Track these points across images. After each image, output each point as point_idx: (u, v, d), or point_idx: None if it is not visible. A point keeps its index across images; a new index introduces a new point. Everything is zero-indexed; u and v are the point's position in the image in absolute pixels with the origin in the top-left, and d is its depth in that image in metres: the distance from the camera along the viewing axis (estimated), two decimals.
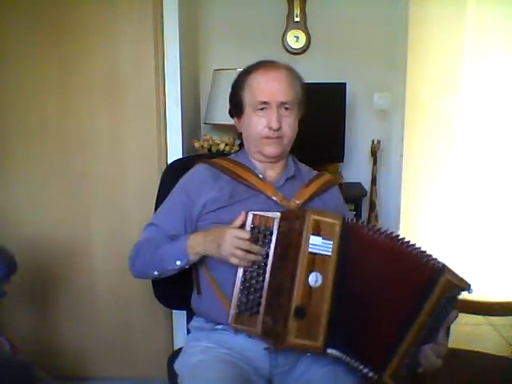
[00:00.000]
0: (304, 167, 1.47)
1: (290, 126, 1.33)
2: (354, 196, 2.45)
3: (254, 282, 1.19)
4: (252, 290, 1.19)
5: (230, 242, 1.17)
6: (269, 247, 1.19)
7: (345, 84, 2.45)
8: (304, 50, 2.62)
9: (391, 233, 1.11)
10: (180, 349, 1.40)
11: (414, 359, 1.09)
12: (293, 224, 1.14)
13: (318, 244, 1.10)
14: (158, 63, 1.96)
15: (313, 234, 1.09)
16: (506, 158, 3.60)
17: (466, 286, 1.08)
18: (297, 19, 2.60)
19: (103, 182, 2.02)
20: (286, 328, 1.09)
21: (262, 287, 1.18)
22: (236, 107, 1.38)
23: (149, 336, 2.10)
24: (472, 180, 3.63)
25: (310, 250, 1.09)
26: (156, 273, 1.32)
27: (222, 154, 1.46)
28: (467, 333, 2.58)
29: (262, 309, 1.18)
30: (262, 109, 1.31)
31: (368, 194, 2.60)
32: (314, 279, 1.09)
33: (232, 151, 2.16)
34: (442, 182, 3.62)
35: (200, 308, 1.35)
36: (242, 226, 1.20)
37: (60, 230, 2.03)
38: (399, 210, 2.85)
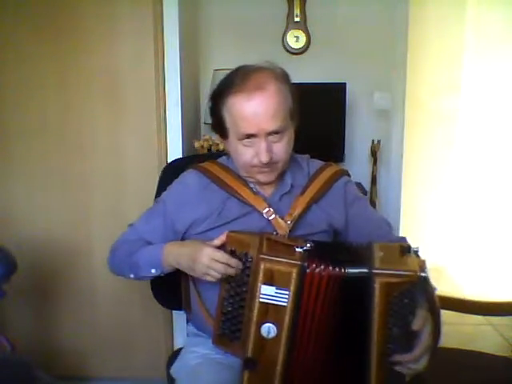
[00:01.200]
0: (304, 162, 1.33)
1: (282, 149, 1.18)
2: None
3: (235, 307, 1.12)
4: (231, 315, 1.13)
5: (206, 261, 1.09)
6: (248, 273, 1.08)
7: (345, 84, 2.44)
8: (304, 50, 2.62)
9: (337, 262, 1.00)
10: (180, 349, 1.40)
11: (393, 373, 1.01)
12: (253, 264, 1.05)
13: (270, 294, 1.00)
14: (157, 63, 1.96)
15: (264, 284, 1.00)
16: (506, 157, 3.60)
17: (412, 278, 0.97)
18: (297, 19, 2.60)
19: (103, 182, 2.01)
20: (241, 377, 1.04)
21: (242, 314, 1.11)
22: (218, 128, 1.22)
23: (148, 336, 2.10)
24: (472, 180, 3.63)
25: (261, 299, 1.00)
26: (132, 276, 1.28)
27: (222, 154, 1.42)
28: (467, 333, 2.58)
29: (241, 335, 1.11)
30: (248, 137, 1.15)
31: (368, 194, 2.60)
32: (267, 330, 1.01)
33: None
34: (441, 181, 3.62)
35: (188, 316, 1.36)
36: (222, 246, 1.12)
37: (60, 229, 2.03)
38: (399, 210, 2.84)
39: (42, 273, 2.04)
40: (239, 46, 2.58)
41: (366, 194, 2.55)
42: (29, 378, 1.21)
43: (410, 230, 3.26)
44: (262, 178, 1.22)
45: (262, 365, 1.03)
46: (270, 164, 1.18)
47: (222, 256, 1.09)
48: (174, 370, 1.30)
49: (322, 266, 1.00)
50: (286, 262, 1.00)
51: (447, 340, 2.50)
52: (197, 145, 2.21)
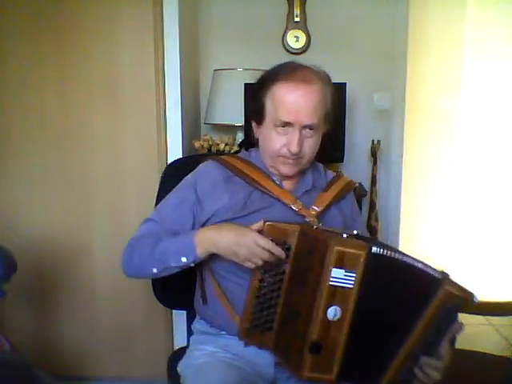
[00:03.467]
0: (320, 168, 1.38)
1: (311, 147, 1.22)
2: (355, 196, 2.45)
3: (268, 297, 1.12)
4: (266, 305, 1.13)
5: (250, 247, 1.08)
6: (286, 262, 1.10)
7: (345, 84, 2.44)
8: (304, 50, 2.62)
9: (406, 255, 1.04)
10: (180, 349, 1.40)
11: (409, 373, 1.05)
12: (314, 246, 1.07)
13: (339, 277, 1.02)
14: (157, 63, 1.96)
15: (335, 267, 1.01)
16: (506, 157, 3.60)
17: (469, 297, 1.03)
18: (297, 19, 2.60)
19: (103, 182, 2.01)
20: (300, 361, 1.06)
21: (277, 304, 1.12)
22: (256, 113, 1.25)
23: (149, 336, 2.10)
24: (472, 180, 3.63)
25: (331, 283, 1.02)
26: (155, 270, 1.20)
27: (222, 154, 1.42)
28: (467, 333, 2.56)
29: (275, 326, 1.13)
30: (283, 126, 1.19)
31: (368, 194, 2.60)
32: (333, 313, 1.03)
33: (232, 151, 2.16)
34: (442, 181, 3.62)
35: (204, 313, 1.31)
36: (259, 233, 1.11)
37: (60, 229, 2.03)
38: (399, 210, 2.85)
39: (42, 273, 2.04)
40: (239, 46, 2.58)
41: (366, 194, 2.55)
42: (29, 378, 1.21)
43: (410, 230, 3.27)
44: (284, 169, 1.24)
45: (326, 348, 1.05)
46: (297, 157, 1.21)
47: (266, 243, 1.08)
48: (181, 367, 1.28)
49: (388, 252, 1.03)
50: (356, 245, 1.03)
51: None
52: (197, 145, 2.21)
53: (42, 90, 1.96)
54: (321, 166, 1.40)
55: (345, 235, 1.08)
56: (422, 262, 1.05)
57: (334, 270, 1.02)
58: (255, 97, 1.25)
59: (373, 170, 2.65)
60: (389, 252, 1.03)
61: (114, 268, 2.00)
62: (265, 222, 1.12)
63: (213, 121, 2.33)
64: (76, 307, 2.09)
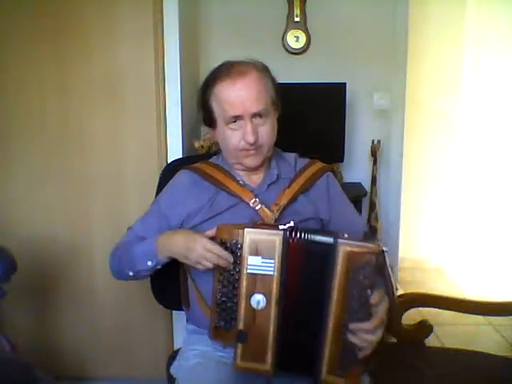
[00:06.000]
0: (291, 159, 1.39)
1: (267, 133, 1.26)
2: (354, 196, 2.45)
3: (229, 296, 1.14)
4: (227, 305, 1.14)
5: (200, 251, 1.14)
6: (238, 262, 1.11)
7: (345, 84, 2.45)
8: (304, 50, 2.62)
9: (322, 232, 1.08)
10: (180, 349, 1.40)
11: (347, 346, 1.05)
12: (240, 241, 1.10)
13: (257, 264, 1.06)
14: (157, 63, 1.96)
15: (251, 255, 1.06)
16: (505, 157, 3.61)
17: (374, 249, 1.02)
18: (297, 19, 2.60)
19: (103, 182, 2.01)
20: (235, 351, 1.09)
21: (236, 303, 1.13)
22: (207, 118, 1.31)
23: (149, 336, 2.10)
24: (472, 180, 3.63)
25: (248, 271, 1.06)
26: (131, 273, 1.31)
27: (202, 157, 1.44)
28: (467, 333, 2.58)
29: (234, 323, 1.13)
30: (234, 121, 1.24)
31: (368, 194, 2.60)
32: (257, 301, 1.06)
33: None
34: (441, 181, 3.62)
35: (189, 316, 1.37)
36: (213, 239, 1.16)
37: (60, 229, 2.03)
38: (399, 209, 2.85)
39: (42, 273, 2.04)
40: (239, 45, 2.58)
41: (366, 194, 2.55)
42: (29, 378, 1.21)
43: (410, 229, 3.27)
44: (248, 161, 1.28)
45: (254, 336, 1.07)
46: (256, 147, 1.25)
47: (214, 247, 1.12)
48: (173, 369, 1.30)
49: (300, 235, 1.06)
50: (270, 233, 1.07)
51: (447, 340, 2.52)
52: (197, 145, 2.21)
53: (42, 90, 1.96)
54: (292, 156, 1.41)
55: (281, 227, 1.08)
56: (330, 232, 1.08)
57: (249, 257, 1.06)
58: (202, 104, 1.31)
59: (373, 169, 2.65)
60: (302, 234, 1.06)
61: None
62: (218, 226, 1.15)
63: None
64: (76, 307, 2.08)
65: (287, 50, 2.62)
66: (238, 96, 1.21)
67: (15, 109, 1.98)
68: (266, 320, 1.07)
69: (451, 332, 2.53)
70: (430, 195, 3.62)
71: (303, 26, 2.60)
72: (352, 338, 1.05)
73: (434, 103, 3.47)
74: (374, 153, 2.63)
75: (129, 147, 2.00)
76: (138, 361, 2.12)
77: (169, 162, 1.97)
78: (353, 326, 1.05)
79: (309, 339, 1.08)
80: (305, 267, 1.07)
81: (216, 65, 1.33)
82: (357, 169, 2.70)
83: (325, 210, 1.33)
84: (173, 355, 1.41)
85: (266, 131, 1.26)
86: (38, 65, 1.95)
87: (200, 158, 1.40)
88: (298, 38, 2.61)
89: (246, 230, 1.07)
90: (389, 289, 1.10)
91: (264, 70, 1.28)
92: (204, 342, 1.26)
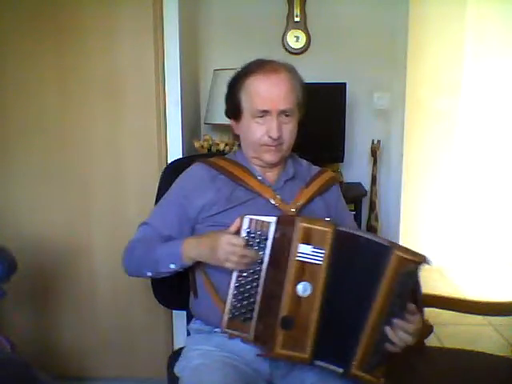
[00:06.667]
0: (304, 164, 1.44)
1: (289, 132, 1.30)
2: (354, 196, 2.45)
3: (248, 287, 1.15)
4: (246, 295, 1.15)
5: (225, 247, 1.13)
6: (264, 253, 1.14)
7: (345, 84, 2.45)
8: (304, 50, 2.62)
9: (370, 234, 1.13)
10: (180, 349, 1.40)
11: (380, 343, 1.08)
12: (285, 228, 1.12)
13: (307, 253, 1.08)
14: (157, 63, 1.96)
15: (302, 243, 1.08)
16: (505, 157, 3.61)
17: (422, 259, 1.06)
18: (297, 19, 2.60)
19: (103, 182, 2.01)
20: (273, 338, 1.09)
21: (256, 293, 1.15)
22: (233, 110, 1.34)
23: (149, 336, 2.10)
24: (472, 179, 3.64)
25: (297, 258, 1.08)
26: (149, 273, 1.31)
27: (221, 154, 1.44)
28: (467, 333, 2.58)
29: (255, 314, 1.15)
30: (261, 116, 1.27)
31: (368, 194, 2.60)
32: (303, 289, 1.08)
33: (232, 151, 2.16)
34: (441, 181, 3.62)
35: (197, 311, 1.35)
36: (238, 231, 1.16)
37: (60, 229, 2.03)
38: (399, 209, 2.85)
39: (42, 273, 2.04)
40: (239, 46, 2.58)
41: (366, 194, 2.55)
42: (28, 378, 1.21)
43: (409, 229, 3.27)
44: (268, 157, 1.31)
45: (297, 324, 1.08)
46: (278, 143, 1.28)
47: (239, 240, 1.13)
48: (178, 369, 1.30)
49: (351, 231, 1.11)
50: (323, 223, 1.10)
51: (447, 340, 2.51)
52: (197, 145, 2.21)
53: (42, 91, 1.96)
54: (305, 161, 1.46)
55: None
56: (380, 237, 1.12)
57: (300, 245, 1.08)
58: (230, 96, 1.34)
59: (373, 169, 2.65)
60: (352, 230, 1.12)
61: (114, 268, 2.00)
62: (242, 217, 1.15)
63: (213, 121, 2.33)
64: (76, 307, 2.08)
65: (287, 50, 2.62)
66: (269, 91, 1.25)
67: (15, 109, 1.98)
68: (309, 308, 1.08)
69: (451, 332, 2.54)
70: (429, 195, 3.62)
71: (303, 26, 2.60)
72: (389, 332, 1.07)
73: (434, 103, 3.48)
74: (374, 153, 2.63)
75: (129, 147, 2.00)
76: (138, 361, 2.12)
77: (169, 162, 1.97)
78: (397, 321, 1.07)
79: (346, 331, 1.10)
80: (354, 262, 1.10)
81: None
82: (357, 169, 2.70)
83: (338, 215, 1.38)
84: (173, 355, 1.42)
85: (289, 130, 1.29)
86: (37, 65, 1.95)
87: (200, 158, 1.40)
88: (298, 38, 2.61)
89: (297, 218, 1.11)
90: (421, 304, 1.13)
91: (294, 72, 1.32)
92: (208, 341, 1.27)
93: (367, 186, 2.63)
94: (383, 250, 1.07)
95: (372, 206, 2.62)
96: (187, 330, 1.44)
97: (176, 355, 1.36)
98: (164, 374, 1.40)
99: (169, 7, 1.95)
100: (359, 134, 2.69)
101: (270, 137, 1.26)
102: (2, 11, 1.92)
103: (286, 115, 1.27)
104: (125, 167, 2.01)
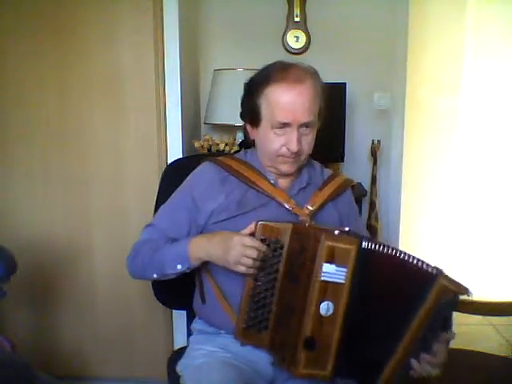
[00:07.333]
0: (317, 167, 1.39)
1: (308, 143, 1.24)
2: (354, 196, 2.44)
3: (263, 296, 1.12)
4: (261, 304, 1.13)
5: (238, 249, 1.09)
6: (279, 261, 1.11)
7: (345, 84, 2.44)
8: (304, 50, 2.62)
9: (401, 252, 1.05)
10: (180, 349, 1.40)
11: (406, 368, 1.06)
12: (306, 243, 1.08)
13: (331, 272, 1.04)
14: (157, 63, 1.96)
15: (326, 262, 1.03)
16: (505, 157, 3.60)
17: (463, 291, 1.03)
18: (297, 19, 2.60)
19: (103, 182, 2.01)
20: (295, 358, 1.07)
21: (272, 302, 1.12)
22: (251, 116, 1.26)
23: (149, 336, 2.10)
24: (472, 180, 3.63)
25: (322, 278, 1.04)
26: (155, 276, 1.27)
27: (222, 154, 1.43)
28: (467, 333, 2.58)
29: (270, 325, 1.13)
30: (281, 127, 1.20)
31: (368, 194, 2.60)
32: (326, 308, 1.05)
33: (232, 151, 2.16)
34: (441, 181, 3.62)
35: (202, 313, 1.32)
36: (251, 236, 1.12)
37: (60, 230, 2.03)
38: (399, 209, 2.84)
39: (42, 273, 2.04)
40: (239, 46, 2.58)
41: (366, 194, 2.55)
42: (29, 378, 1.21)
43: (409, 230, 3.27)
44: (284, 168, 1.26)
45: (320, 343, 1.06)
46: (296, 155, 1.23)
47: (252, 241, 1.09)
48: (180, 367, 1.29)
49: (380, 247, 1.04)
50: (347, 240, 1.04)
51: None
52: (197, 145, 2.21)
53: (42, 90, 1.96)
54: (318, 164, 1.41)
55: (336, 232, 1.08)
56: (415, 258, 1.05)
57: (325, 265, 1.03)
58: (248, 99, 1.26)
59: (373, 169, 2.65)
60: (380, 247, 1.04)
61: (114, 268, 2.00)
62: (257, 222, 1.13)
63: (213, 121, 2.33)
64: (76, 307, 2.08)
65: (287, 50, 2.62)
66: (292, 103, 1.18)
67: (15, 109, 1.98)
68: (332, 327, 1.05)
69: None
70: (429, 195, 3.62)
71: (303, 26, 2.60)
72: (415, 365, 1.04)
73: (434, 103, 3.47)
74: (374, 153, 2.63)
75: (129, 147, 2.00)
76: (138, 361, 2.12)
77: (169, 162, 1.97)
78: (423, 355, 1.04)
79: (370, 354, 1.07)
80: (387, 283, 1.05)
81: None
82: (357, 169, 2.70)
83: (347, 220, 1.33)
84: (174, 355, 1.41)
85: (308, 142, 1.24)
86: (37, 65, 1.95)
87: (200, 158, 1.39)
88: (298, 37, 2.61)
89: (323, 235, 1.04)
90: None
91: (317, 76, 1.25)
92: (211, 342, 1.26)
93: (367, 186, 2.63)
94: (427, 276, 1.02)
95: (372, 206, 2.62)
96: (190, 329, 1.43)
97: (176, 355, 1.36)
98: (164, 374, 1.40)
99: (169, 7, 1.95)
100: (359, 134, 2.69)
101: (288, 149, 1.21)
102: (2, 11, 1.92)
103: (307, 127, 1.22)
104: (125, 167, 2.01)
